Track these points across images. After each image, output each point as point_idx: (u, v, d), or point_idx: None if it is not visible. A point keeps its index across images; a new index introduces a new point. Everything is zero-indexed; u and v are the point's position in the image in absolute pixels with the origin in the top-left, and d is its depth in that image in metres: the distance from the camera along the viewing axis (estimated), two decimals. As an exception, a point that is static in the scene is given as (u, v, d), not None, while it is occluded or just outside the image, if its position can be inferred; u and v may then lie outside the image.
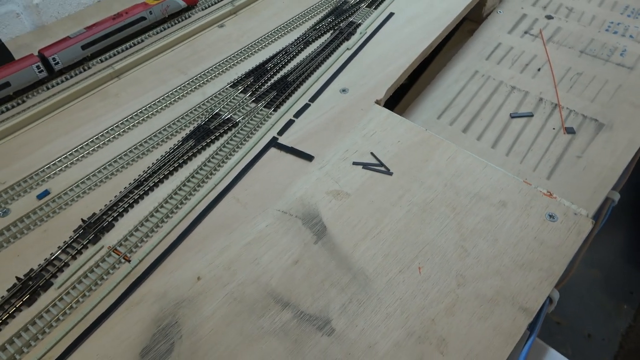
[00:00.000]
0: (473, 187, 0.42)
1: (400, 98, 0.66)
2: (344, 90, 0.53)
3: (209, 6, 0.65)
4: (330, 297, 0.35)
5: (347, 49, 0.58)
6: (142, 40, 0.59)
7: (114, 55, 0.57)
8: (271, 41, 0.60)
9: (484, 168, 0.44)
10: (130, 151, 0.46)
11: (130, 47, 0.58)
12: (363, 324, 0.34)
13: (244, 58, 0.57)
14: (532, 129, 0.59)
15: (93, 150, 0.47)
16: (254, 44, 0.59)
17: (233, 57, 0.57)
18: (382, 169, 0.44)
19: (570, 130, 0.58)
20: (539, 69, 0.67)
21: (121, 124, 0.49)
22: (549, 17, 0.77)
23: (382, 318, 0.34)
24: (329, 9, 0.65)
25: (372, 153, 0.45)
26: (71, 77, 0.54)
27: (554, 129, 0.59)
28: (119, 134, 0.48)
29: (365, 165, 0.44)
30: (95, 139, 0.48)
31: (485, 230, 0.39)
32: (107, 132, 0.48)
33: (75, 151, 0.46)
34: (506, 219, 0.40)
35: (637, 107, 0.61)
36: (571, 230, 0.39)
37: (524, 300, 0.34)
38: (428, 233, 0.39)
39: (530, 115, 0.60)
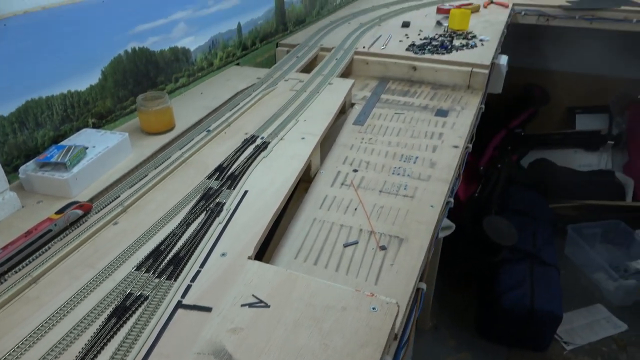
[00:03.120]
0: (324, 301, 0.63)
1: (265, 248, 0.87)
2: (223, 254, 0.72)
3: (102, 209, 0.82)
4: (245, 402, 0.51)
5: (220, 223, 0.79)
6: (50, 247, 0.73)
7: (28, 264, 0.69)
8: (159, 228, 0.78)
9: (329, 287, 0.66)
10: (63, 339, 0.58)
11: (41, 254, 0.71)
12: (271, 413, 0.50)
13: (140, 245, 0.74)
14: (359, 252, 0.84)
15: (29, 346, 0.57)
16: (146, 233, 0.77)
17: (131, 246, 0.74)
18: (262, 304, 0.63)
19: (383, 248, 0.85)
20: (355, 209, 0.96)
21: (48, 320, 0.61)
22: (355, 171, 1.09)
23: (283, 405, 0.50)
24: (199, 195, 0.87)
25: (253, 295, 0.65)
26: (-9, 291, 0.65)
27: (373, 249, 0.85)
28: (49, 328, 0.60)
29: (251, 305, 0.63)
30: (29, 337, 0.58)
31: (337, 329, 0.59)
32: (37, 330, 0.60)
33: (13, 351, 0.56)
34: (347, 317, 0.61)
35: (421, 223, 0.92)
36: (386, 314, 0.61)
37: (367, 366, 0.54)
38: (301, 340, 0.58)
39: (356, 243, 0.86)
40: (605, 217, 2.64)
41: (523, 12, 2.36)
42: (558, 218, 2.69)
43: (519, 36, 2.90)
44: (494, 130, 2.74)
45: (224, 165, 0.96)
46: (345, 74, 1.62)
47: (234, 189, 0.88)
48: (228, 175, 0.92)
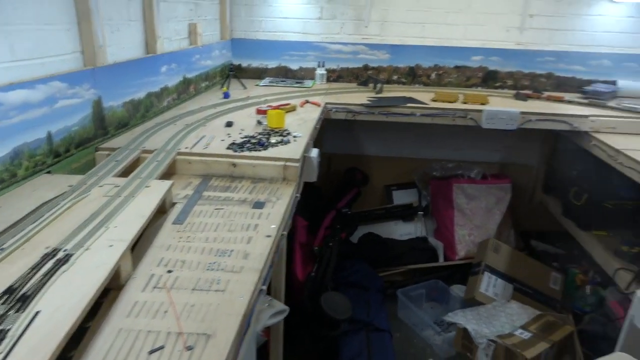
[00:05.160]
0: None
1: (63, 370, 0.83)
2: (2, 387, 0.68)
3: None
4: None
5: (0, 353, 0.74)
6: None
7: None
8: None
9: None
10: None
11: None
12: None
13: None
14: (165, 356, 0.86)
15: None
16: None
17: None
18: None
19: (189, 348, 0.88)
20: (165, 311, 0.98)
21: None
22: (170, 271, 1.12)
23: None
24: (-20, 323, 0.80)
25: None
26: None
27: (179, 350, 0.87)
28: None
29: None
30: None
31: None
32: None
33: None
34: None
35: (230, 316, 0.97)
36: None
37: None
38: None
39: (162, 348, 0.88)
40: (426, 278, 3.02)
41: (334, 110, 2.74)
42: (389, 284, 2.99)
43: (340, 127, 3.34)
44: (325, 211, 3.01)
45: (15, 286, 0.91)
46: (168, 174, 1.67)
47: (23, 311, 0.84)
48: (18, 297, 0.87)
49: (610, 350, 1.84)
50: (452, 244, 3.04)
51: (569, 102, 2.91)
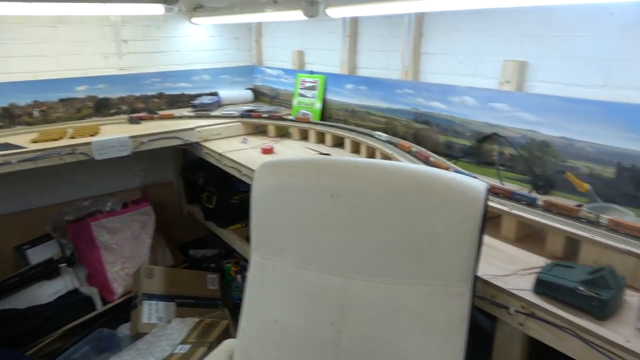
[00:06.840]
0: None
1: None
2: None
3: None
4: None
5: None
6: None
7: None
8: None
9: None
10: None
11: None
12: None
13: None
14: None
15: None
16: None
17: None
18: None
19: None
20: None
21: None
22: None
23: None
24: None
25: None
26: None
27: None
28: None
29: None
30: None
31: None
32: None
33: None
34: None
35: None
36: None
37: None
38: None
39: None
40: (89, 331, 2.72)
41: None
42: (48, 358, 2.56)
43: None
44: None
45: None
46: None
47: None
48: None
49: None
50: (106, 285, 2.84)
51: (180, 117, 3.10)
